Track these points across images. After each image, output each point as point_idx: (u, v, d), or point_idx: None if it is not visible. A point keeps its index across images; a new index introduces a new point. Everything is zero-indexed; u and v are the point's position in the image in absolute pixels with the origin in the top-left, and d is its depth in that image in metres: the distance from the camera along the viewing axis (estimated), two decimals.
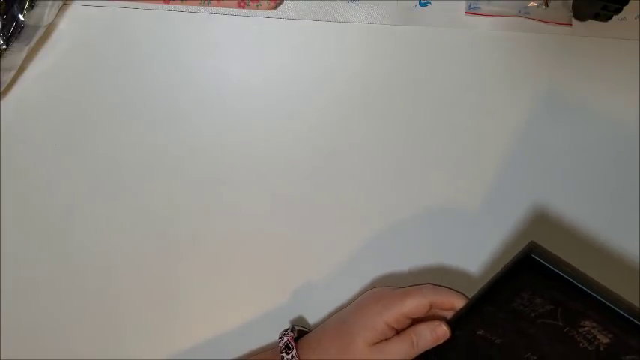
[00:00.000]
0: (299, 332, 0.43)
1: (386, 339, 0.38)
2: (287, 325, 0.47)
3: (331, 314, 0.46)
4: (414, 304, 0.38)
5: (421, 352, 0.38)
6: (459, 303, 0.38)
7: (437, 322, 0.38)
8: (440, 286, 0.40)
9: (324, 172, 0.49)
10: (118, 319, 0.48)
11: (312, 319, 0.48)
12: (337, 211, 0.49)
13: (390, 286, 0.44)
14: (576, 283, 0.32)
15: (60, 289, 0.48)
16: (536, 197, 0.50)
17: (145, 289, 0.48)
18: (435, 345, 0.38)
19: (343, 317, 0.41)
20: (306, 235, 0.49)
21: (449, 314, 0.40)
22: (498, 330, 0.36)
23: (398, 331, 0.40)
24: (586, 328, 0.33)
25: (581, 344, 0.33)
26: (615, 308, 0.32)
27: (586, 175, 0.50)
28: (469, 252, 0.49)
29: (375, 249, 0.49)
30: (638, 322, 0.31)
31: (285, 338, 0.41)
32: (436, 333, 0.38)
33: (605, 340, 0.33)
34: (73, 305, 0.48)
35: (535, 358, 0.35)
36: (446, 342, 0.38)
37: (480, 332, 0.36)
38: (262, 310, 0.48)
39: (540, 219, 0.50)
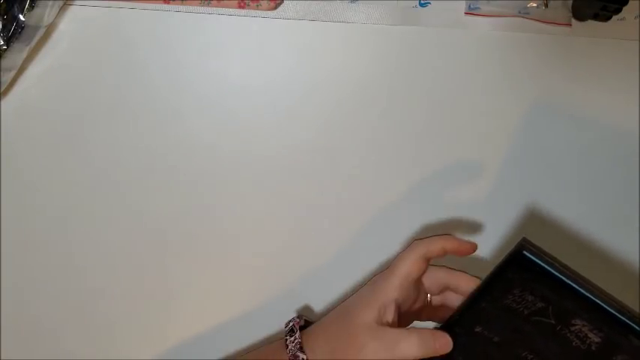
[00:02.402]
0: (306, 322, 0.42)
1: (390, 323, 0.36)
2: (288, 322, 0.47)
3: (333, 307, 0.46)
4: (408, 264, 0.36)
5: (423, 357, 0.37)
6: (447, 244, 0.37)
7: (441, 333, 0.36)
8: (425, 237, 0.38)
9: (324, 172, 0.49)
10: (118, 318, 0.48)
11: (313, 316, 0.48)
12: (337, 210, 0.49)
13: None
14: (567, 281, 0.32)
15: (59, 289, 0.48)
16: (536, 197, 0.50)
17: (144, 288, 0.48)
18: (436, 355, 0.36)
19: (346, 303, 0.39)
20: (306, 234, 0.49)
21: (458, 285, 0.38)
22: (496, 327, 0.36)
23: (404, 311, 0.38)
24: (577, 327, 0.33)
25: (574, 343, 0.33)
26: (606, 307, 0.31)
27: (586, 175, 0.50)
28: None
29: (375, 248, 0.49)
30: (629, 322, 0.31)
31: (291, 323, 0.40)
32: (439, 342, 0.35)
33: (597, 340, 0.33)
34: (72, 305, 0.48)
35: (532, 357, 0.35)
36: None
37: (479, 330, 0.36)
38: (262, 310, 0.48)
39: (540, 219, 0.50)
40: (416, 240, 0.38)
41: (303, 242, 0.49)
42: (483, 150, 0.50)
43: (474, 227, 0.49)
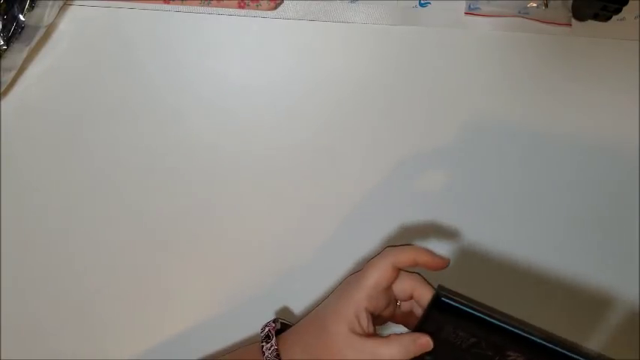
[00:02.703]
0: (283, 325, 0.42)
1: (365, 333, 0.36)
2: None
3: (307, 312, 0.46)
4: (377, 273, 0.36)
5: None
6: (418, 256, 0.37)
7: (418, 334, 0.36)
8: (397, 245, 0.38)
9: (324, 172, 0.49)
10: (118, 318, 0.48)
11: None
12: (337, 210, 0.49)
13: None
14: (486, 319, 0.33)
15: (59, 289, 0.48)
16: (536, 197, 0.50)
17: (143, 288, 0.48)
18: (419, 354, 0.36)
19: (320, 307, 0.39)
20: (305, 234, 0.49)
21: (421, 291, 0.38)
22: (443, 357, 0.36)
23: (376, 315, 0.38)
24: (512, 357, 0.34)
25: None
26: (529, 337, 0.33)
27: (586, 175, 0.50)
28: (468, 251, 0.49)
29: (374, 247, 0.49)
30: (556, 348, 0.32)
31: (267, 329, 0.40)
32: (417, 342, 0.36)
33: None
34: (72, 305, 0.48)
35: None
36: None
37: (428, 358, 0.37)
38: (262, 310, 0.48)
39: (540, 218, 0.50)
40: (388, 247, 0.38)
41: (303, 242, 0.49)
42: (483, 150, 0.50)
43: (474, 226, 0.49)
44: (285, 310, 0.49)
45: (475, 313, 0.33)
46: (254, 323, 0.45)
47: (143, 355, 0.48)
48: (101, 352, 0.48)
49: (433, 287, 0.38)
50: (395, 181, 0.49)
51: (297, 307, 0.49)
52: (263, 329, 0.41)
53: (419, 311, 0.40)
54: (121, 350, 0.48)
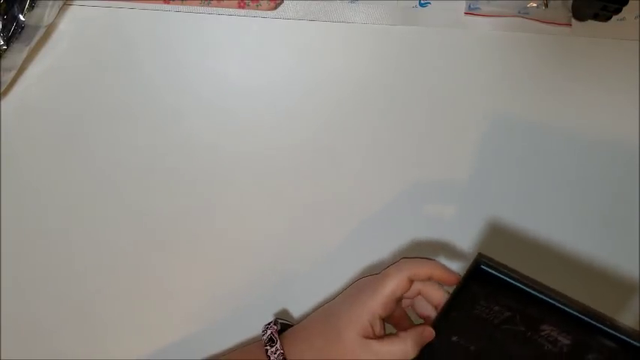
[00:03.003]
0: (283, 325, 0.43)
1: (377, 337, 0.38)
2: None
3: (317, 307, 0.46)
4: (393, 283, 0.38)
5: (412, 356, 0.38)
6: (434, 271, 0.38)
7: (422, 327, 0.38)
8: (414, 258, 0.40)
9: (324, 172, 0.49)
10: (118, 318, 0.48)
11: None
12: (337, 210, 0.49)
13: (374, 273, 0.43)
14: (526, 289, 0.33)
15: (59, 289, 0.48)
16: (536, 197, 0.50)
17: (144, 288, 0.48)
18: (423, 345, 0.38)
19: (330, 310, 0.40)
20: (305, 234, 0.49)
21: (432, 295, 0.39)
22: (471, 337, 0.36)
23: (394, 322, 0.40)
24: (546, 332, 0.34)
25: (545, 347, 0.34)
26: (568, 310, 0.32)
27: (586, 175, 0.50)
28: (467, 250, 0.49)
29: (375, 248, 0.49)
30: (593, 322, 0.32)
31: (269, 331, 0.41)
32: (423, 335, 0.38)
33: (566, 342, 0.33)
34: (72, 305, 0.48)
35: None
36: (429, 347, 0.38)
37: (455, 339, 0.37)
38: (262, 310, 0.48)
39: (540, 218, 0.50)
40: (405, 259, 0.39)
41: (303, 242, 0.49)
42: (483, 150, 0.50)
43: (474, 225, 0.49)
44: (284, 311, 0.49)
45: (516, 283, 0.33)
46: (255, 323, 0.45)
47: (143, 356, 0.48)
48: (101, 352, 0.48)
49: (438, 285, 0.39)
50: (395, 180, 0.49)
51: (297, 307, 0.49)
52: (264, 331, 0.41)
53: (420, 309, 0.41)
54: (121, 350, 0.48)
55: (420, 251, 0.49)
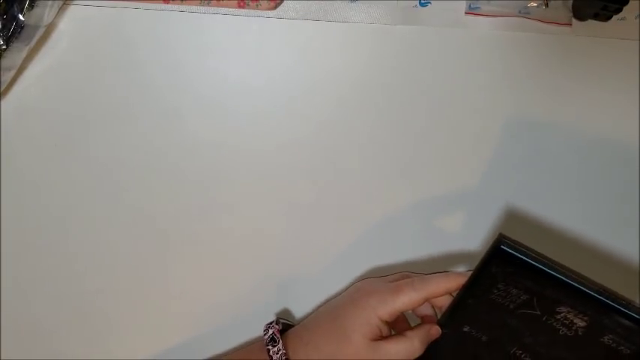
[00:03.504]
0: (284, 325, 0.43)
1: (383, 337, 0.38)
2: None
3: (319, 306, 0.46)
4: (406, 300, 0.38)
5: (419, 354, 0.38)
6: (452, 286, 0.38)
7: (429, 325, 0.39)
8: (429, 276, 0.40)
9: (324, 172, 0.49)
10: (118, 319, 0.48)
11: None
12: (337, 210, 0.49)
13: (380, 276, 0.44)
14: (546, 270, 0.33)
15: (59, 289, 0.48)
16: (536, 197, 0.50)
17: (144, 288, 0.48)
18: (429, 343, 0.39)
19: (335, 312, 0.40)
20: (305, 234, 0.49)
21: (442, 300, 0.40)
22: (483, 326, 0.36)
23: (391, 325, 0.40)
24: (562, 314, 0.33)
25: (560, 331, 0.34)
26: (586, 290, 0.32)
27: (586, 175, 0.50)
28: (467, 250, 0.49)
29: (374, 248, 0.49)
30: (611, 303, 0.32)
31: (271, 331, 0.41)
32: (430, 333, 0.39)
33: (582, 324, 0.33)
34: (72, 305, 0.48)
35: (520, 352, 0.36)
36: (435, 342, 0.39)
37: (467, 329, 0.37)
38: (262, 310, 0.48)
39: (540, 218, 0.50)
40: (420, 277, 0.39)
41: (303, 242, 0.49)
42: (483, 150, 0.50)
43: (474, 225, 0.49)
44: (286, 311, 0.49)
45: (536, 264, 0.33)
46: (255, 323, 0.45)
47: (144, 356, 0.48)
48: (102, 352, 0.48)
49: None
50: (395, 180, 0.49)
51: (298, 307, 0.49)
52: (266, 331, 0.41)
53: (420, 311, 0.41)
54: (121, 350, 0.48)
55: (420, 249, 0.49)
